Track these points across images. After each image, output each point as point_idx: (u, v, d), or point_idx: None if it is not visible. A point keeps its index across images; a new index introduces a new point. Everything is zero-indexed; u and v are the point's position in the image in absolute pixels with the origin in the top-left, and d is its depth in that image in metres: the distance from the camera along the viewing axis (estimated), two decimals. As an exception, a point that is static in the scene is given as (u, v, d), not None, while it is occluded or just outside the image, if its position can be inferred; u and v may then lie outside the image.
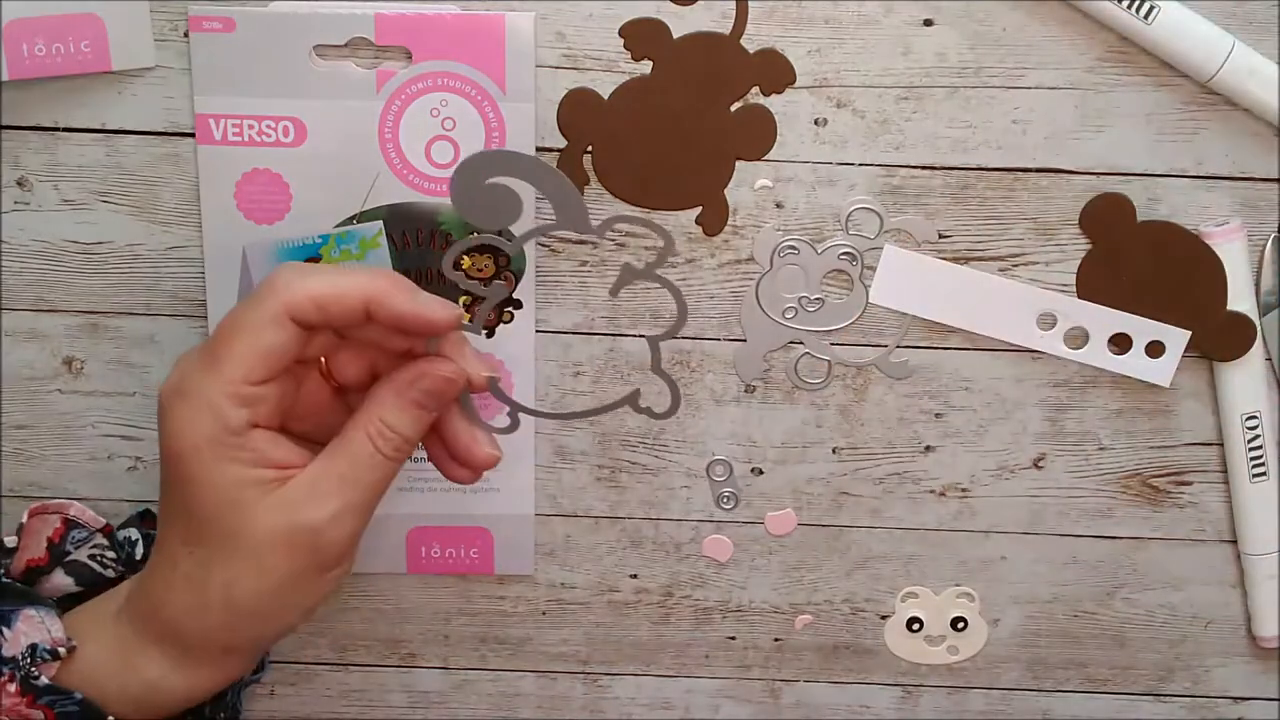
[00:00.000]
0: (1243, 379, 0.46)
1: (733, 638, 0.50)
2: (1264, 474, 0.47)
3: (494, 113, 0.43)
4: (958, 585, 0.49)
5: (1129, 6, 0.41)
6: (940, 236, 0.45)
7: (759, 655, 0.51)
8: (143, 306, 0.45)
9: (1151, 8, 0.41)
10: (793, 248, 0.45)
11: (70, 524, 0.44)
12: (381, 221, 0.44)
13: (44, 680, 0.38)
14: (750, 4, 0.42)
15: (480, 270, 0.45)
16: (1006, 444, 0.47)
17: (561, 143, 0.43)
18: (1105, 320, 0.45)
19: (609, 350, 0.46)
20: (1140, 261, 0.45)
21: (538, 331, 0.46)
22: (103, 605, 0.40)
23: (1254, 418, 0.46)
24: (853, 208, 0.44)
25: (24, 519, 0.44)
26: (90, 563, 0.43)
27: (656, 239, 0.45)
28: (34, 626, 0.39)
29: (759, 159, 0.44)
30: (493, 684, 0.51)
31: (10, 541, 0.42)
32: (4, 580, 0.42)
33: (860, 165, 0.44)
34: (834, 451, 0.48)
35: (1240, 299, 0.45)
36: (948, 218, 0.45)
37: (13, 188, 0.44)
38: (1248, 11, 0.42)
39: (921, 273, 0.45)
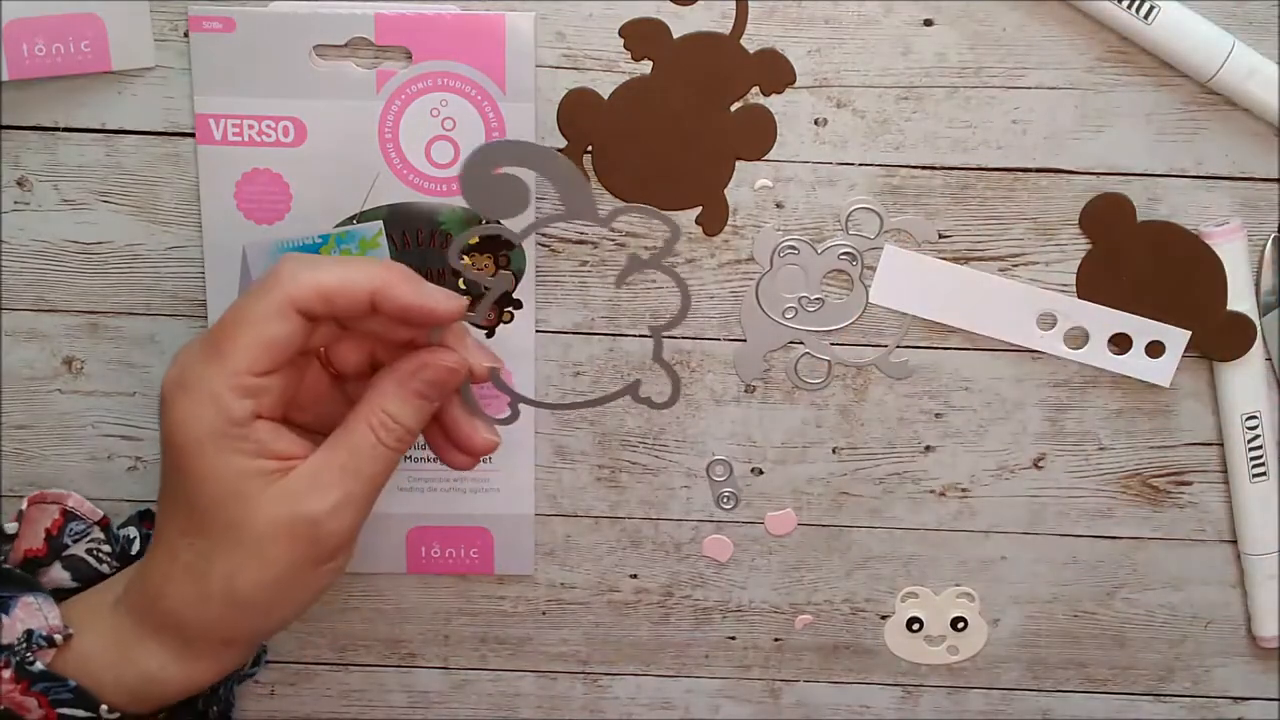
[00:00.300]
0: (1243, 379, 0.46)
1: (733, 638, 0.50)
2: (1264, 474, 0.47)
3: (494, 113, 0.43)
4: (958, 585, 0.49)
5: (1129, 6, 0.41)
6: (940, 236, 0.45)
7: (759, 655, 0.51)
8: (143, 306, 0.45)
9: (1151, 8, 0.41)
10: (793, 248, 0.45)
11: (69, 515, 0.44)
12: (381, 221, 0.44)
13: (39, 666, 0.38)
14: (750, 4, 0.42)
15: (480, 270, 0.45)
16: (1006, 444, 0.47)
17: (561, 143, 0.43)
18: (1105, 320, 0.45)
19: (609, 350, 0.46)
20: (1140, 261, 0.45)
21: (538, 331, 0.46)
22: (99, 596, 0.40)
23: (1254, 418, 0.46)
24: (853, 208, 0.44)
25: (24, 506, 0.44)
26: (87, 558, 0.43)
27: (658, 237, 0.45)
28: (31, 613, 0.39)
29: (759, 159, 0.44)
30: (493, 684, 0.51)
31: (11, 528, 0.42)
32: (3, 567, 0.42)
33: (860, 165, 0.44)
34: (834, 451, 0.48)
35: (1240, 299, 0.45)
36: (948, 218, 0.45)
37: (13, 188, 0.44)
38: (1248, 11, 0.42)
39: (921, 273, 0.45)
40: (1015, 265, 0.45)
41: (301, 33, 0.42)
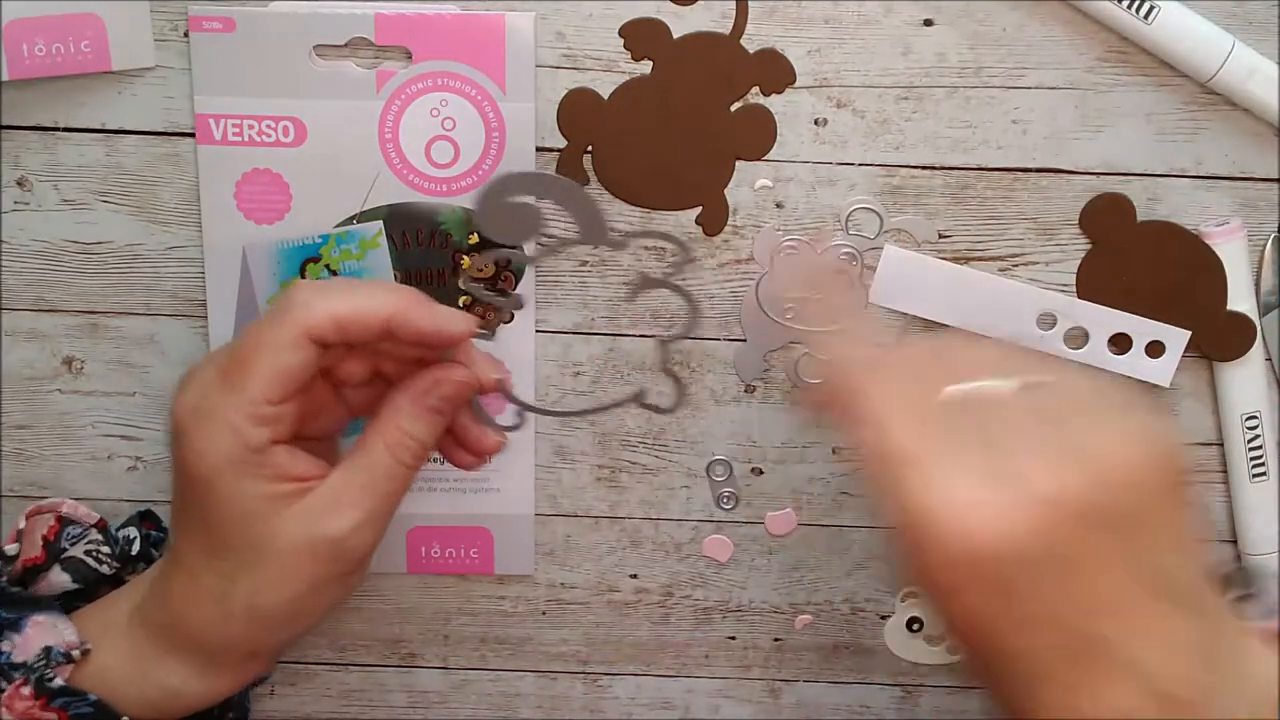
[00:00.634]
0: (1243, 379, 0.46)
1: (733, 638, 0.50)
2: (1264, 474, 0.47)
3: (494, 113, 0.43)
4: (958, 585, 0.49)
5: (1129, 6, 0.41)
6: (940, 236, 0.45)
7: (759, 655, 0.51)
8: (143, 306, 0.45)
9: (1151, 8, 0.41)
10: (793, 248, 0.45)
11: (64, 521, 0.44)
12: (381, 221, 0.44)
13: (59, 682, 0.38)
14: (750, 4, 0.42)
15: (481, 270, 0.45)
16: (1006, 444, 0.47)
17: (561, 143, 0.43)
18: (1105, 320, 0.45)
19: (609, 350, 0.46)
20: (1140, 261, 0.45)
21: (538, 331, 0.46)
22: (110, 612, 0.41)
23: (1254, 418, 0.46)
24: (853, 208, 0.45)
25: (21, 524, 0.43)
26: (86, 559, 0.43)
27: (653, 248, 0.45)
28: (45, 631, 0.39)
29: (759, 159, 0.44)
30: (493, 684, 0.51)
31: (11, 549, 0.42)
32: (9, 589, 0.42)
33: (860, 165, 0.44)
34: (834, 451, 0.48)
35: (1240, 299, 0.45)
36: (948, 218, 0.45)
37: (13, 188, 0.44)
38: (1248, 11, 0.42)
39: (921, 273, 0.45)
40: (1015, 265, 0.45)
41: (301, 33, 0.42)
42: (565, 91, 0.43)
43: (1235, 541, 0.48)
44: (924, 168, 0.44)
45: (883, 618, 0.50)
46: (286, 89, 0.42)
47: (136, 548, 0.44)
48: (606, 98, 0.43)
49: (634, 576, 0.49)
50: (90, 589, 0.42)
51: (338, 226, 0.44)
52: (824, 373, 0.39)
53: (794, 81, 0.43)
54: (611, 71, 0.43)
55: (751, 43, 0.43)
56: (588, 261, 0.45)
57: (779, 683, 0.51)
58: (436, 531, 0.48)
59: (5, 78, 0.40)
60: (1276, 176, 0.44)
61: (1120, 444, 0.32)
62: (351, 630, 0.50)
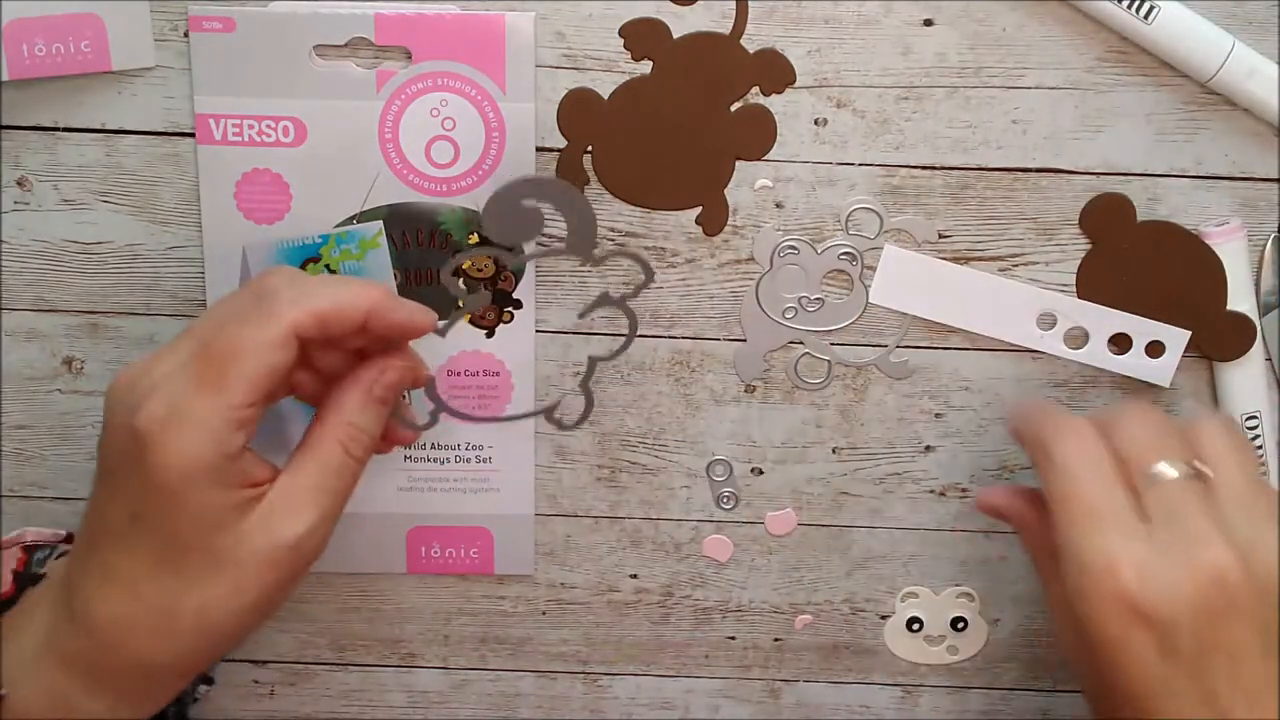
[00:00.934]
0: (1243, 379, 0.46)
1: (733, 638, 0.50)
2: (1264, 474, 0.46)
3: (494, 113, 0.43)
4: (958, 585, 0.49)
5: (1129, 6, 0.41)
6: (940, 236, 0.45)
7: (759, 655, 0.51)
8: (143, 306, 0.45)
9: (1151, 8, 0.41)
10: (793, 248, 0.45)
11: (31, 549, 0.43)
12: (381, 221, 0.44)
13: None
14: (750, 4, 0.42)
15: (480, 270, 0.45)
16: (1006, 444, 0.47)
17: (561, 143, 0.43)
18: (1105, 320, 0.45)
19: (609, 350, 0.46)
20: (1140, 261, 0.45)
21: (537, 331, 0.46)
22: (14, 648, 0.38)
23: (1254, 418, 0.46)
24: (853, 208, 0.45)
25: None
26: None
27: (658, 238, 0.45)
28: None
29: (759, 159, 0.44)
30: (493, 684, 0.51)
31: None
32: None
33: (860, 165, 0.44)
34: (834, 451, 0.48)
35: (1240, 299, 0.45)
36: (948, 218, 0.45)
37: (13, 188, 0.44)
38: (1248, 11, 0.42)
39: (921, 273, 0.45)
40: (1015, 265, 0.45)
41: (301, 33, 0.42)
42: (565, 91, 0.43)
43: (1235, 541, 0.48)
44: (924, 168, 0.44)
45: (883, 618, 0.50)
46: (286, 89, 0.42)
47: None
48: (606, 98, 0.43)
49: (634, 576, 0.49)
50: None
51: (338, 226, 0.44)
52: (1024, 411, 0.41)
53: (794, 81, 0.43)
54: (611, 71, 0.43)
55: (751, 43, 0.43)
56: (588, 261, 0.45)
57: (779, 683, 0.51)
58: (436, 531, 0.48)
59: (5, 78, 0.40)
60: (1276, 176, 0.44)
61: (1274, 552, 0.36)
62: (351, 630, 0.50)
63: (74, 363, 0.46)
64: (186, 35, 0.42)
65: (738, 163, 0.44)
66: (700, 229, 0.45)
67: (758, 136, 0.44)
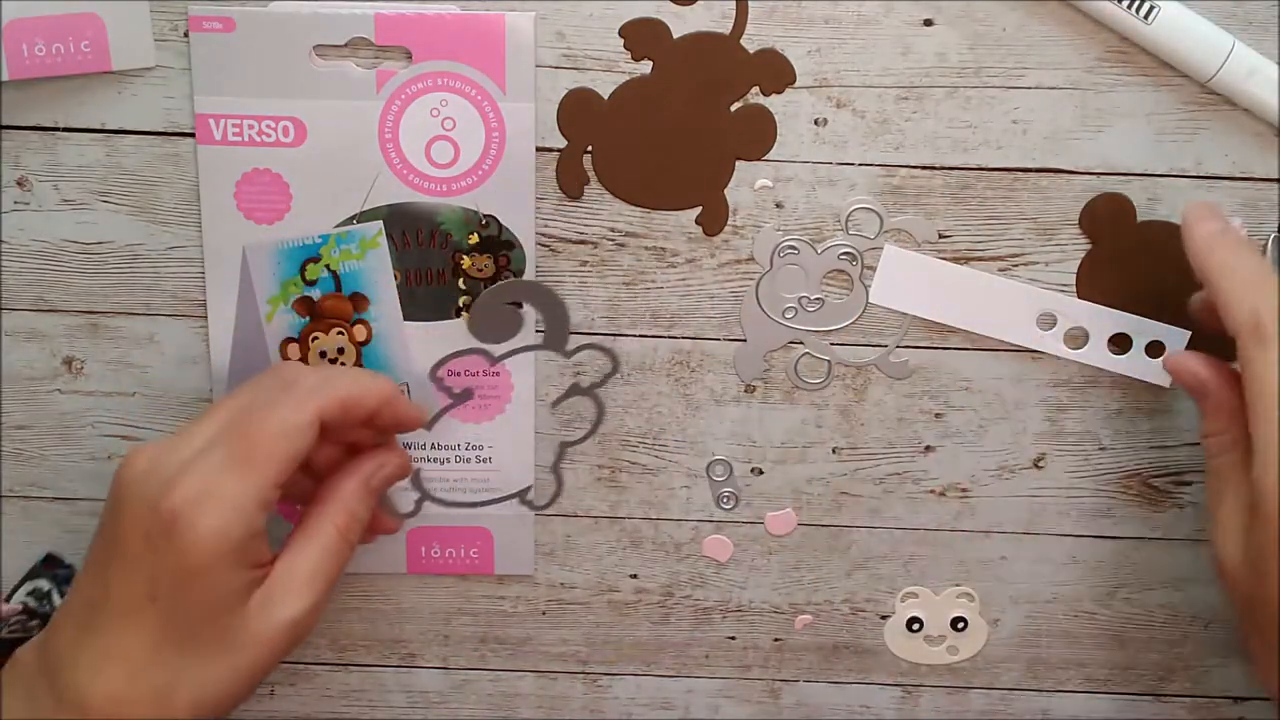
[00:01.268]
0: (1243, 379, 0.46)
1: (733, 638, 0.50)
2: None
3: (494, 113, 0.43)
4: (958, 585, 0.49)
5: (1129, 6, 0.41)
6: (940, 236, 0.45)
7: (759, 655, 0.51)
8: (143, 306, 0.45)
9: (1151, 8, 0.41)
10: (793, 248, 0.45)
11: None
12: (381, 221, 0.44)
13: None
14: (750, 4, 0.42)
15: (480, 270, 0.45)
16: (1006, 444, 0.47)
17: (561, 143, 0.43)
18: (1105, 320, 0.45)
19: (609, 350, 0.46)
20: (1140, 261, 0.45)
21: (537, 331, 0.46)
22: None
23: (1254, 418, 0.46)
24: (853, 208, 0.45)
25: None
26: (12, 637, 0.42)
27: (658, 237, 0.45)
28: None
29: (759, 159, 0.44)
30: (493, 684, 0.51)
31: None
32: None
33: (860, 165, 0.44)
34: (834, 451, 0.48)
35: (1240, 299, 0.45)
36: (948, 218, 0.45)
37: (13, 188, 0.44)
38: (1248, 11, 0.42)
39: (921, 273, 0.45)
40: (1015, 265, 0.45)
41: (301, 33, 0.42)
42: (565, 91, 0.43)
43: (1235, 541, 0.48)
44: (924, 168, 0.44)
45: (883, 618, 0.50)
46: (286, 89, 0.42)
47: (57, 599, 0.44)
48: (606, 98, 0.43)
49: (634, 576, 0.49)
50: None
51: (338, 226, 0.44)
52: (1218, 243, 0.39)
53: (794, 81, 0.43)
54: (611, 71, 0.43)
55: (751, 43, 0.43)
56: (588, 262, 0.45)
57: (779, 683, 0.51)
58: (436, 531, 0.48)
59: (5, 78, 0.40)
60: (1276, 176, 0.44)
61: None
62: (351, 630, 0.50)
63: (74, 363, 0.46)
64: (186, 35, 0.42)
65: (738, 163, 0.44)
66: (700, 229, 0.45)
67: (758, 136, 0.44)
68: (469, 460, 0.47)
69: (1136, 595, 0.50)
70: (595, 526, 0.49)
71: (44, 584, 0.45)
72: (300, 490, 0.42)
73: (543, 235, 0.45)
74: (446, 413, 0.45)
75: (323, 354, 0.45)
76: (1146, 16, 0.41)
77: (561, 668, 0.51)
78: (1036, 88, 0.43)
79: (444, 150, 0.43)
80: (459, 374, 0.46)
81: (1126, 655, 0.50)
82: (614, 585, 0.49)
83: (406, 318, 0.45)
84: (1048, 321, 0.46)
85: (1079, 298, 0.45)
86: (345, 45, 0.42)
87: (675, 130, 0.43)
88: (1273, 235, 0.45)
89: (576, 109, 0.43)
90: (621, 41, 0.43)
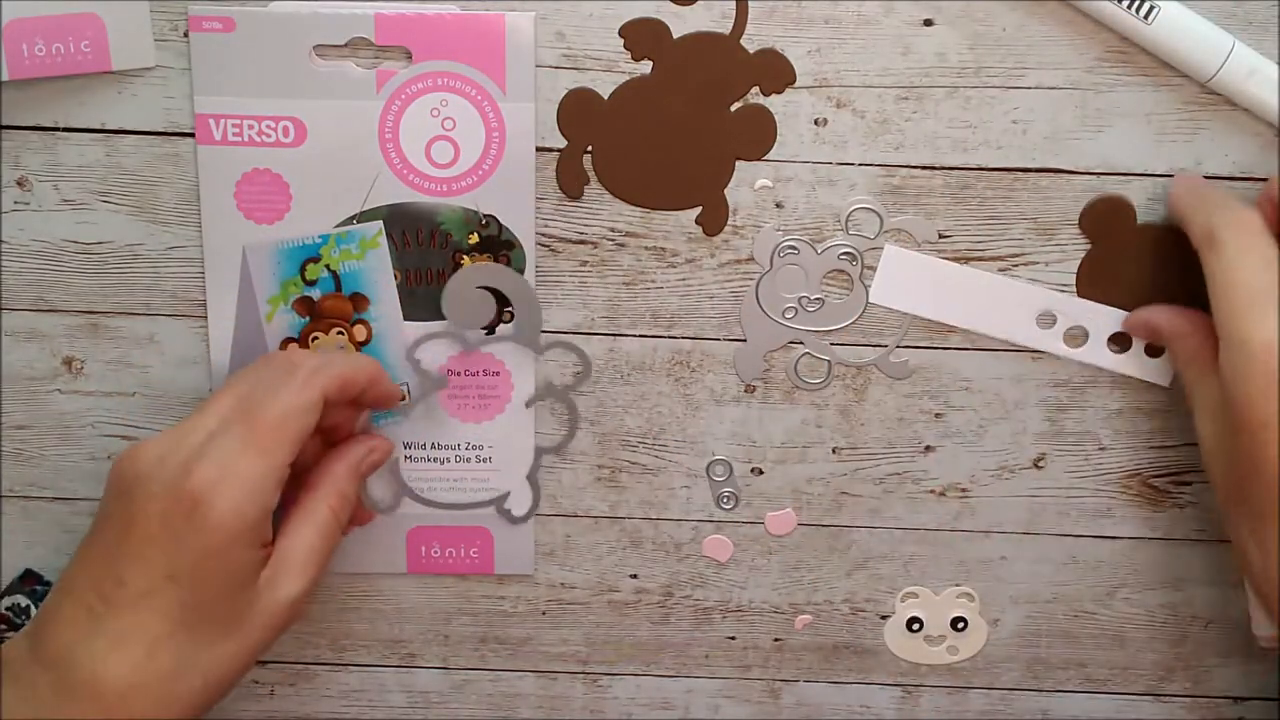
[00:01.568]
0: (1243, 379, 0.46)
1: (733, 638, 0.50)
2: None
3: (494, 113, 0.43)
4: (958, 585, 0.49)
5: (1129, 6, 0.41)
6: (940, 236, 0.45)
7: (759, 655, 0.51)
8: (143, 306, 0.45)
9: (1151, 8, 0.41)
10: (793, 248, 0.45)
11: None
12: (381, 221, 0.44)
13: None
14: (750, 4, 0.42)
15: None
16: (1006, 444, 0.47)
17: (561, 143, 0.43)
18: (1105, 319, 0.45)
19: (609, 350, 0.46)
20: (1140, 261, 0.45)
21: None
22: None
23: (1254, 418, 0.46)
24: (853, 208, 0.45)
25: None
26: None
27: (657, 236, 0.45)
28: None
29: (759, 159, 0.44)
30: (493, 684, 0.51)
31: None
32: None
33: (860, 165, 0.44)
34: (834, 451, 0.48)
35: (1240, 299, 0.45)
36: (948, 218, 0.45)
37: (13, 188, 0.44)
38: (1248, 11, 0.42)
39: (921, 273, 0.45)
40: (1015, 265, 0.45)
41: (301, 33, 0.42)
42: (565, 91, 0.43)
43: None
44: (924, 168, 0.44)
45: (883, 618, 0.50)
46: (286, 89, 0.42)
47: (34, 613, 0.44)
48: (606, 98, 0.43)
49: (634, 576, 0.49)
50: None
51: (338, 226, 0.44)
52: (1190, 193, 0.42)
53: (794, 81, 0.43)
54: (611, 71, 0.43)
55: (751, 43, 0.43)
56: (588, 262, 0.45)
57: (779, 683, 0.51)
58: (436, 531, 0.48)
59: (5, 78, 0.40)
60: (1276, 176, 0.44)
61: None
62: (351, 630, 0.50)
63: (74, 363, 0.46)
64: (186, 35, 0.42)
65: (738, 163, 0.44)
66: (700, 229, 0.45)
67: (758, 136, 0.44)
68: (469, 460, 0.47)
69: (1136, 595, 0.50)
70: (595, 526, 0.49)
71: (21, 600, 0.45)
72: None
73: (543, 235, 0.45)
74: (425, 396, 0.45)
75: (323, 354, 0.45)
76: (1146, 16, 0.41)
77: (561, 668, 0.51)
78: (1036, 88, 0.43)
79: (444, 150, 0.43)
80: (459, 373, 0.46)
81: (1126, 655, 0.50)
82: (614, 585, 0.49)
83: (406, 318, 0.45)
84: (1048, 321, 0.46)
85: (1079, 297, 0.45)
86: (345, 45, 0.42)
87: (675, 130, 0.43)
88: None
89: (576, 109, 0.43)
90: (621, 41, 0.43)
